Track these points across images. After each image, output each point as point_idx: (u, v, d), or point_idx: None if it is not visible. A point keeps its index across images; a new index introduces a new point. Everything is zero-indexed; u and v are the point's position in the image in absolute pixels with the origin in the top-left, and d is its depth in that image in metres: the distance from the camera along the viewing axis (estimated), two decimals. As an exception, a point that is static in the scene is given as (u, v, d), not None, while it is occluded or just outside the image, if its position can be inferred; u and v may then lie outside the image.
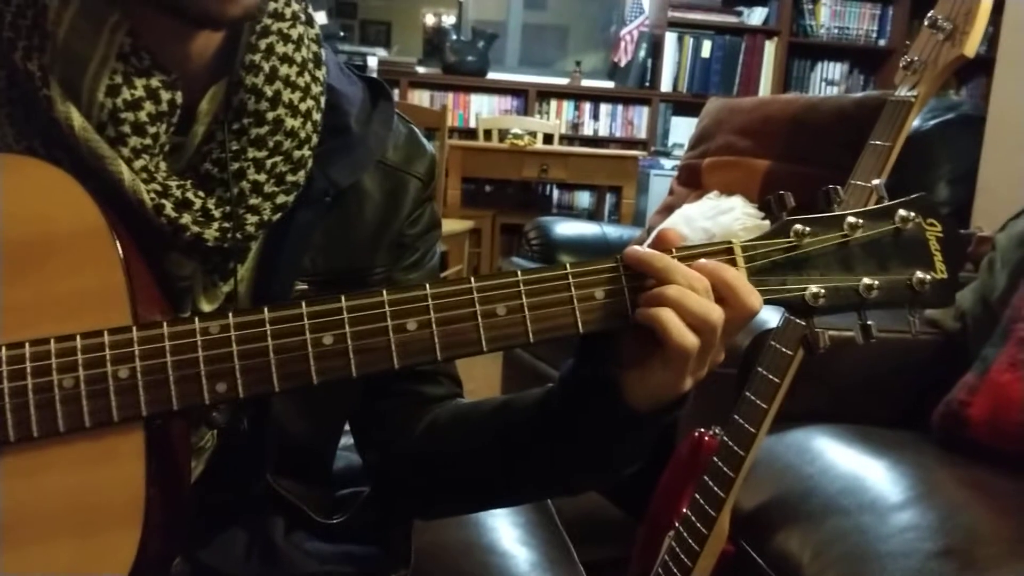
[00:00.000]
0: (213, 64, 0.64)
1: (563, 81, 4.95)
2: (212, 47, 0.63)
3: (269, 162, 0.64)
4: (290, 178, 0.66)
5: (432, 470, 0.75)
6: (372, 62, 4.41)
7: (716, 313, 0.55)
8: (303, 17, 0.68)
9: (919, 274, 0.59)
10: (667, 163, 4.33)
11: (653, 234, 0.59)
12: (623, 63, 4.89)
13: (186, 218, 0.61)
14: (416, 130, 0.79)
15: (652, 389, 0.59)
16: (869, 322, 0.60)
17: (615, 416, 0.61)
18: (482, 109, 4.80)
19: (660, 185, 4.07)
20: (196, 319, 0.55)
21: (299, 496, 0.74)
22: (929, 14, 0.94)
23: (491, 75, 4.86)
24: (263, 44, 0.64)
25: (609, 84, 5.01)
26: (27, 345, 0.53)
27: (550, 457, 0.66)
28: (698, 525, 1.12)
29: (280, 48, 0.65)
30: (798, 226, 0.58)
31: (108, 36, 0.58)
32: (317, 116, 0.68)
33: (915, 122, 0.98)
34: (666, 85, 4.83)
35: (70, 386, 0.53)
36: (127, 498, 0.54)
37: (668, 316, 0.55)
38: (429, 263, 0.80)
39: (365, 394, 0.76)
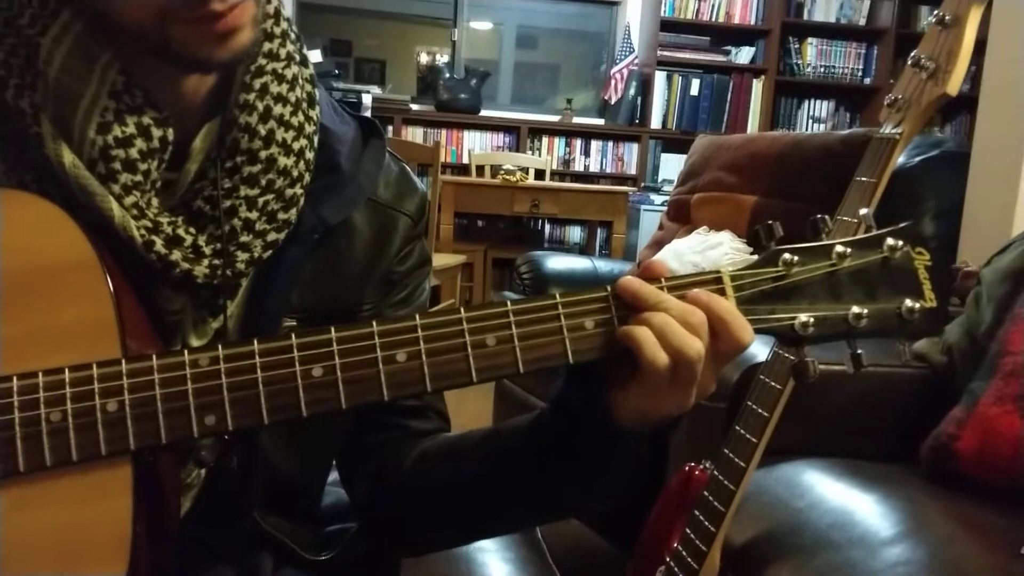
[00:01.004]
0: (207, 102, 0.64)
1: (554, 118, 5.01)
2: (205, 86, 0.64)
3: (261, 200, 0.65)
4: (281, 216, 0.66)
5: (422, 501, 0.74)
6: (366, 99, 4.45)
7: (696, 347, 0.55)
8: (297, 58, 0.69)
9: (908, 302, 0.59)
10: (657, 199, 4.36)
11: (642, 267, 0.59)
12: (613, 101, 4.95)
13: (176, 255, 0.61)
14: (407, 169, 0.80)
15: (634, 410, 0.59)
16: (859, 351, 0.60)
17: (604, 434, 0.61)
18: (475, 145, 4.84)
19: (650, 220, 4.10)
20: (186, 352, 0.55)
21: (287, 533, 0.74)
22: (912, 53, 0.96)
23: (484, 112, 4.91)
24: (257, 84, 0.65)
25: (600, 121, 5.07)
26: (15, 379, 0.53)
27: (542, 479, 0.66)
28: (689, 560, 1.11)
29: (274, 88, 0.65)
30: (786, 255, 0.58)
31: (100, 74, 0.58)
32: (310, 155, 0.68)
33: (900, 159, 0.99)
34: (656, 122, 4.88)
35: (57, 419, 0.53)
36: (113, 533, 0.53)
37: (644, 335, 0.55)
38: (418, 299, 0.80)
39: (352, 429, 0.76)
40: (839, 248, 0.59)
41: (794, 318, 0.58)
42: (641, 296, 0.57)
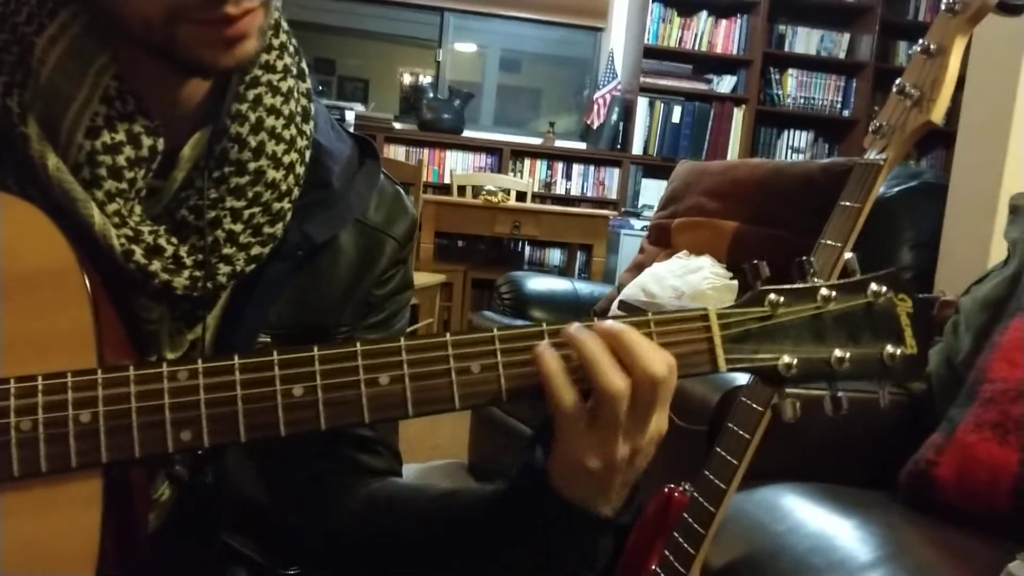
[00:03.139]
0: (199, 110, 0.64)
1: (537, 141, 5.03)
2: (199, 94, 0.63)
3: (247, 212, 0.63)
4: (267, 230, 0.65)
5: (363, 549, 0.72)
6: (349, 117, 4.45)
7: (610, 380, 0.53)
8: (294, 71, 0.68)
9: (889, 348, 0.60)
10: (637, 223, 4.38)
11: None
12: (595, 125, 4.98)
13: (156, 265, 0.60)
14: (402, 192, 0.79)
15: (560, 465, 0.56)
16: (840, 394, 0.61)
17: (544, 505, 0.58)
18: (457, 166, 4.85)
19: (630, 244, 4.11)
20: (164, 364, 0.53)
21: (257, 551, 0.72)
22: (898, 81, 0.97)
23: (466, 133, 4.92)
24: (251, 94, 0.64)
25: (581, 145, 5.10)
26: (-14, 385, 0.51)
27: (490, 555, 0.63)
28: (668, 585, 1.10)
29: (268, 100, 0.64)
30: (772, 296, 0.59)
31: (94, 78, 0.57)
32: (300, 169, 0.67)
33: (880, 188, 1.00)
34: (637, 148, 4.92)
35: (28, 429, 0.51)
36: (80, 548, 0.52)
37: (546, 348, 0.54)
38: (396, 325, 0.79)
39: (304, 452, 0.74)
40: (824, 291, 0.59)
41: (777, 359, 0.59)
42: (625, 341, 0.54)
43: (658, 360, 0.54)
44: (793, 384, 0.60)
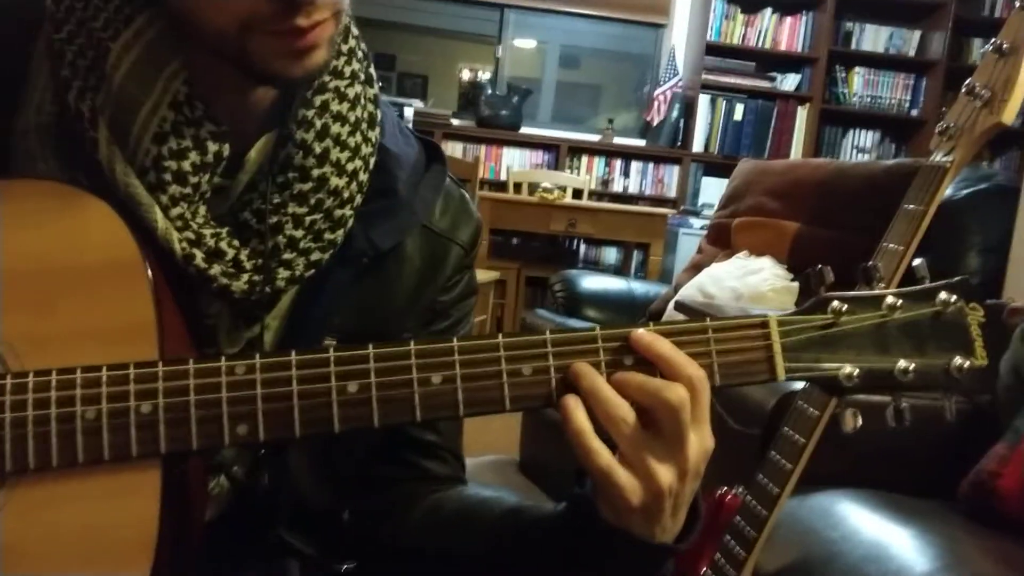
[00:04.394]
0: (266, 115, 0.64)
1: (595, 138, 5.01)
2: (268, 98, 0.64)
3: (308, 219, 0.64)
4: (328, 236, 0.66)
5: (426, 560, 0.73)
6: (408, 113, 4.49)
7: (623, 410, 0.53)
8: (362, 77, 0.68)
9: (957, 359, 0.58)
10: (696, 222, 4.33)
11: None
12: (655, 122, 4.94)
13: (216, 269, 0.61)
14: (467, 196, 0.79)
15: (612, 503, 0.55)
16: (903, 406, 0.59)
17: (596, 536, 0.57)
18: (514, 162, 4.86)
19: (688, 244, 4.07)
20: (223, 358, 0.55)
21: (312, 546, 0.73)
22: (967, 81, 0.94)
23: (524, 129, 4.93)
24: (318, 100, 0.64)
25: (641, 142, 5.06)
26: (54, 373, 0.53)
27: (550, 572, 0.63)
28: (717, 590, 1.09)
29: (335, 106, 0.65)
30: (836, 303, 0.57)
31: (164, 83, 0.59)
32: (364, 177, 0.67)
33: (947, 191, 0.97)
34: (698, 146, 4.86)
35: (92, 417, 0.53)
36: (139, 535, 0.53)
37: (572, 404, 0.54)
38: (461, 331, 0.79)
39: (368, 457, 0.75)
40: (890, 299, 0.58)
41: (839, 368, 0.57)
42: (653, 351, 0.55)
43: (670, 388, 0.53)
44: (854, 394, 0.58)
